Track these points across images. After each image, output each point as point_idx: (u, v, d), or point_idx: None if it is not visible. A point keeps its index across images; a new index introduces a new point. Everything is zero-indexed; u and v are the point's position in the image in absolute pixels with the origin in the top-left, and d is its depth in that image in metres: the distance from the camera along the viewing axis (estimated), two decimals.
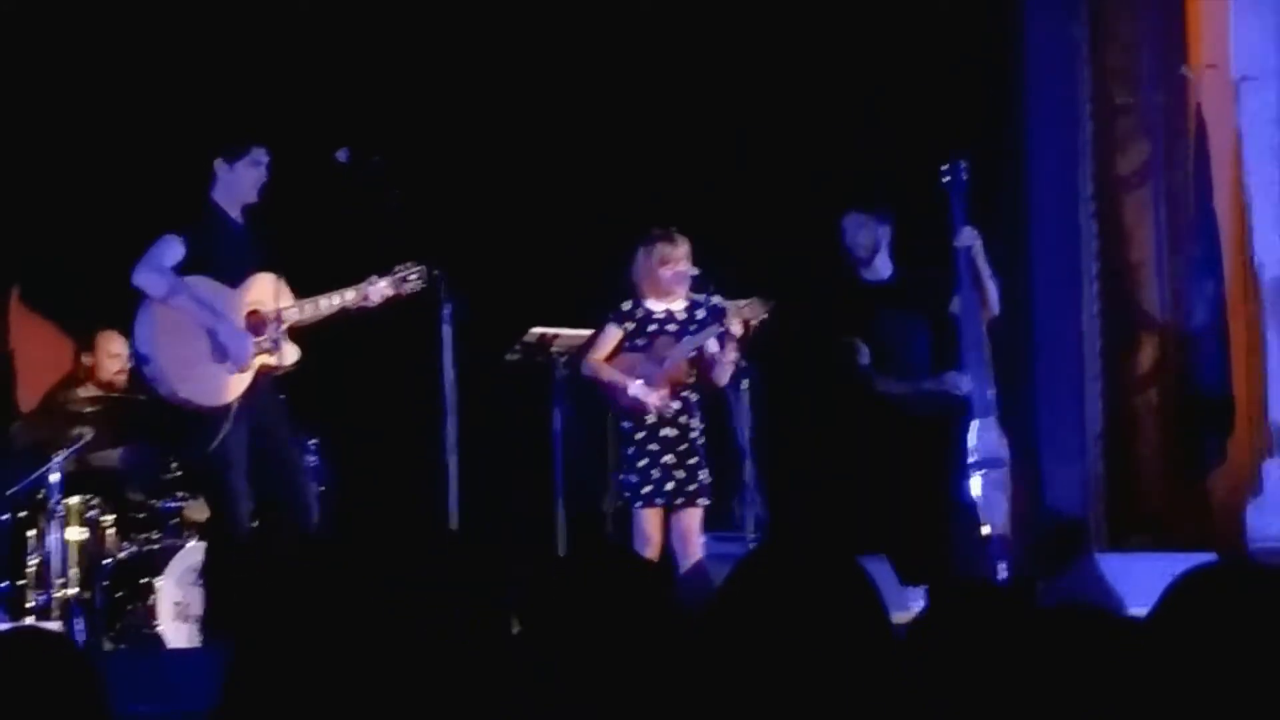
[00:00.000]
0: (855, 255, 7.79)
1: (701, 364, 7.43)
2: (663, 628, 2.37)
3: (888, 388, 7.62)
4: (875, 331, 7.68)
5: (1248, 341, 8.52)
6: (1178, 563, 2.38)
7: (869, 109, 8.84)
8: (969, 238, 7.66)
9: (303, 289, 7.13)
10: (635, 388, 7.37)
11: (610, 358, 7.50)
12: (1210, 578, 2.23)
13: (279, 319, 6.98)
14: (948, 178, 7.71)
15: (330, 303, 7.06)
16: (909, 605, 6.24)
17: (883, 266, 7.80)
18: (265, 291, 6.99)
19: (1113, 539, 8.53)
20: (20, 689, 2.49)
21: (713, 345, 7.39)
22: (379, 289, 7.08)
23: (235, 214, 6.99)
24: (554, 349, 7.76)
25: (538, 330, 7.75)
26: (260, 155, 6.99)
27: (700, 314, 7.46)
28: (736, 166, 8.89)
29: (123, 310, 7.47)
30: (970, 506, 7.45)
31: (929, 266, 7.74)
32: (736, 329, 7.32)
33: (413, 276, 7.14)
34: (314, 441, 7.83)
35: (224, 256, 6.93)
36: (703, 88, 8.97)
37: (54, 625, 7.57)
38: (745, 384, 7.42)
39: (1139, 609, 2.43)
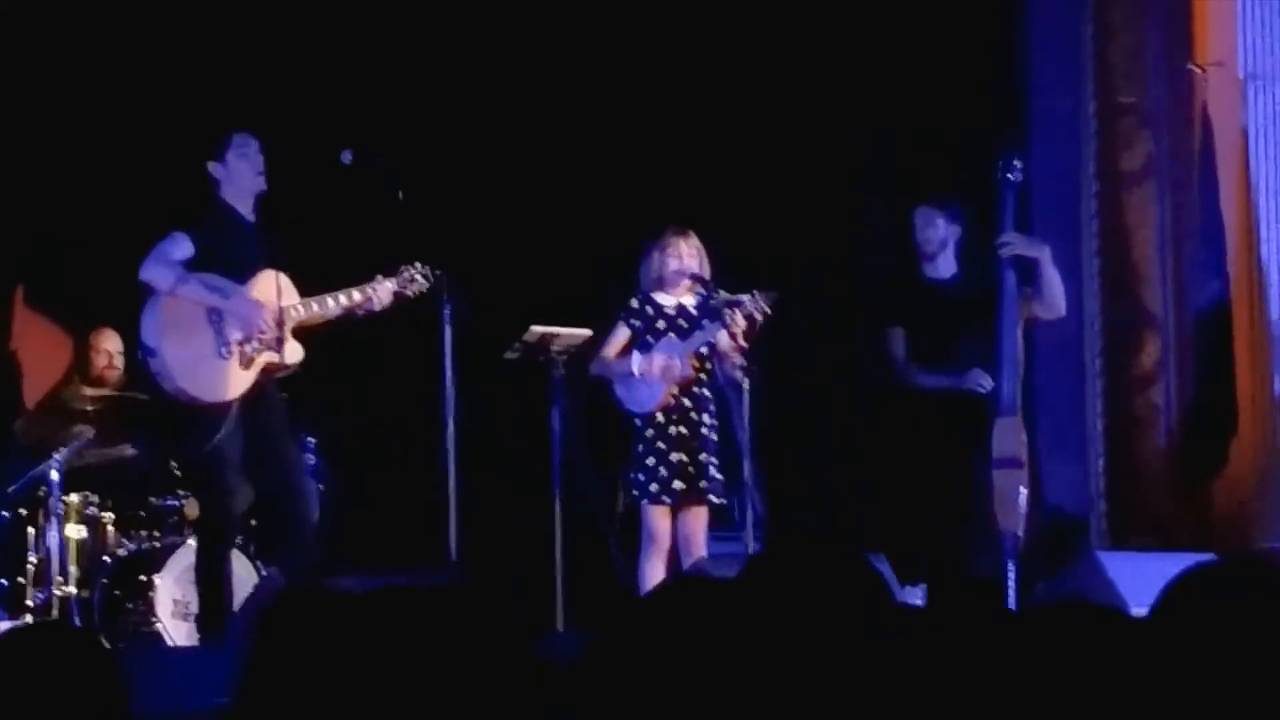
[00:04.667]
0: (922, 250, 7.69)
1: (715, 358, 7.41)
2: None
3: (920, 381, 7.56)
4: (924, 329, 7.59)
5: (1252, 339, 8.49)
6: (1179, 563, 2.36)
7: (874, 106, 8.82)
8: (1012, 246, 7.52)
9: (306, 289, 7.11)
10: (636, 363, 7.37)
11: (619, 356, 7.51)
12: (1210, 576, 2.22)
13: (283, 316, 6.96)
14: (1000, 175, 7.59)
15: (337, 302, 7.04)
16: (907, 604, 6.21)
17: (946, 264, 7.69)
18: (270, 289, 6.96)
19: (1114, 539, 8.50)
20: (44, 684, 2.47)
21: (724, 340, 7.36)
22: (385, 290, 7.05)
23: (246, 210, 6.97)
24: (554, 348, 7.74)
25: (538, 329, 7.72)
26: (243, 140, 6.97)
27: (711, 308, 7.44)
28: (745, 163, 8.87)
29: (122, 308, 7.46)
30: (987, 504, 7.42)
31: (988, 269, 7.63)
32: (740, 325, 7.29)
33: (418, 278, 7.12)
34: (312, 440, 7.82)
35: (232, 253, 6.91)
36: (710, 86, 8.95)
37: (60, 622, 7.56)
38: (746, 383, 7.39)
39: (1140, 609, 2.41)
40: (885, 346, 7.62)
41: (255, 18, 9.02)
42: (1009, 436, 7.45)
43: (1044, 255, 7.55)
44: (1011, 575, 7.32)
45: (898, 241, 7.83)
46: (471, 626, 2.24)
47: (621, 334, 7.52)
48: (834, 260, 8.66)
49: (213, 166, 6.95)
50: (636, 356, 7.41)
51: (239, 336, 6.88)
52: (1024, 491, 7.41)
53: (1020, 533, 7.40)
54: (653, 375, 7.38)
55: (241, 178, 6.94)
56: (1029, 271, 7.53)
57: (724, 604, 2.30)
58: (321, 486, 7.57)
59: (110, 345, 8.62)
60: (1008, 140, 7.92)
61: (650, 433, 7.39)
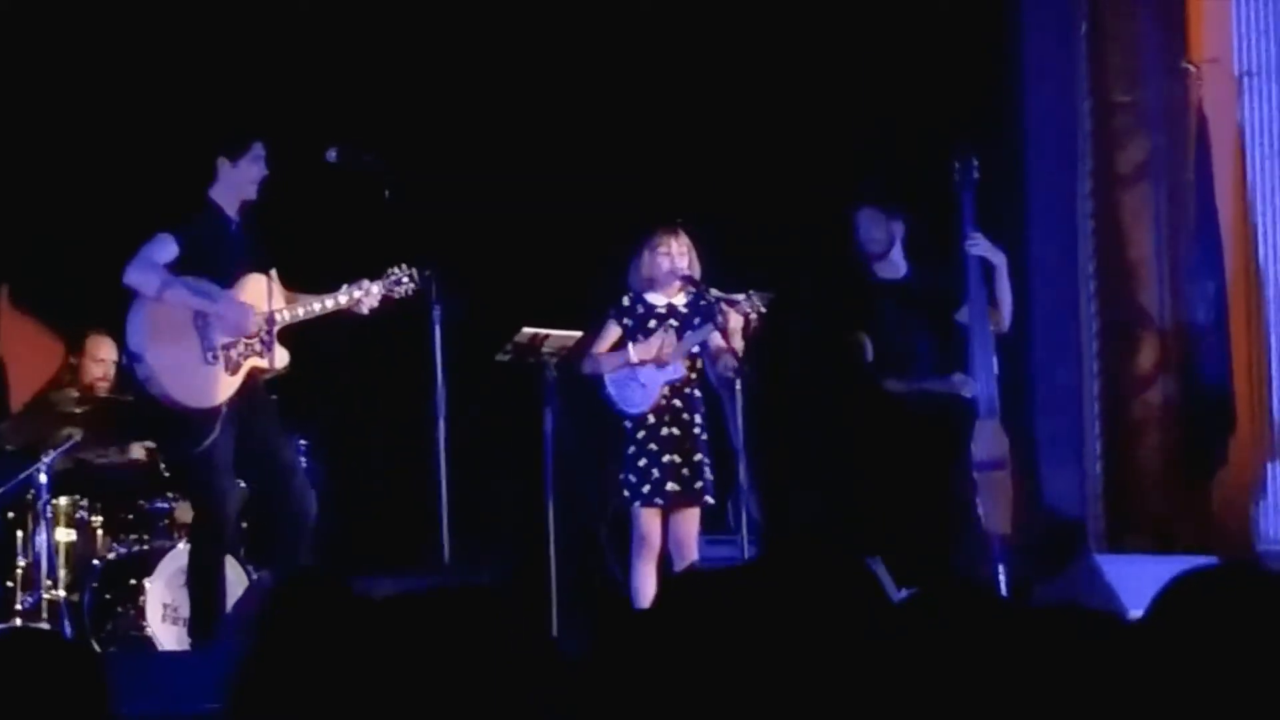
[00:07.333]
0: (868, 250, 7.69)
1: (706, 358, 7.39)
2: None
3: (891, 386, 7.56)
4: (883, 329, 7.60)
5: (1250, 340, 8.47)
6: (1177, 565, 2.34)
7: (868, 104, 8.79)
8: (977, 244, 7.55)
9: (293, 289, 7.08)
10: (634, 351, 7.33)
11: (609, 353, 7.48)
12: (1205, 580, 2.20)
13: (271, 321, 6.93)
14: (958, 175, 7.62)
15: (323, 306, 7.02)
16: None
17: (896, 264, 7.70)
18: (258, 293, 6.94)
19: (1112, 541, 8.48)
20: (24, 693, 2.43)
21: (716, 339, 7.34)
22: (371, 293, 7.02)
23: (232, 212, 6.94)
24: (545, 350, 7.70)
25: (529, 331, 7.69)
26: (260, 150, 6.95)
27: (702, 308, 7.40)
28: (737, 163, 8.84)
29: (114, 312, 7.43)
30: (972, 507, 7.41)
31: (943, 267, 7.64)
32: (734, 324, 7.26)
33: (405, 280, 7.09)
34: (304, 442, 7.79)
35: (218, 256, 6.88)
36: (700, 85, 8.92)
37: (43, 627, 7.52)
38: (739, 384, 7.36)
39: (1137, 612, 2.38)
40: (853, 352, 7.62)
41: (247, 18, 8.99)
42: (989, 439, 7.47)
43: (1001, 263, 7.60)
44: (1002, 577, 7.31)
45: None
46: (504, 627, 2.21)
47: (612, 332, 7.49)
48: (830, 261, 8.62)
49: (222, 162, 6.91)
50: (631, 345, 7.38)
51: (225, 341, 6.85)
52: (1008, 493, 7.42)
53: (1008, 534, 7.41)
54: (650, 358, 7.33)
55: (243, 183, 6.91)
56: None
57: (722, 607, 2.27)
58: (312, 489, 7.53)
59: (107, 354, 8.56)
60: (951, 139, 7.92)
61: (642, 434, 7.35)
